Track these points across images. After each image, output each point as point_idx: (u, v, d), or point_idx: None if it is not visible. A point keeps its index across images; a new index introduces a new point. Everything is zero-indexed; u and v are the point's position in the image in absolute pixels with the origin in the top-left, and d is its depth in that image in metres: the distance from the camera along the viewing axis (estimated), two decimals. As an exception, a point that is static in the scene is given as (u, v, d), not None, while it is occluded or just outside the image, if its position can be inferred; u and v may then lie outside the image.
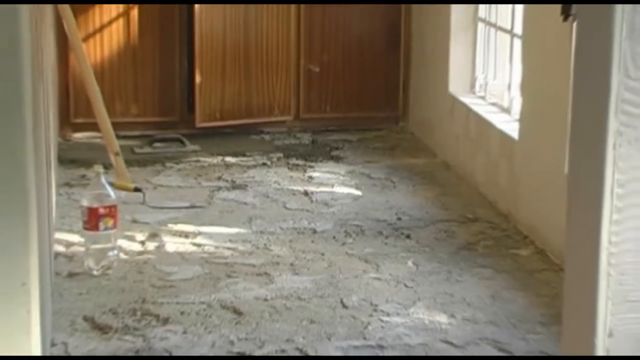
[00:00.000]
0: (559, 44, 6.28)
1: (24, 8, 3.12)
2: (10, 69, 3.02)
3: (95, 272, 6.45)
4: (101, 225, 6.62)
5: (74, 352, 5.46)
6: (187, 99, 9.24)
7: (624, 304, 3.60)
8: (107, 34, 9.11)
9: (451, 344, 5.65)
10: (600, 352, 3.64)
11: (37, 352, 3.20)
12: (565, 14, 5.76)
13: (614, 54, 3.45)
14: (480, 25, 8.57)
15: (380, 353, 5.52)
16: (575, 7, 4.38)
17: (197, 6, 9.01)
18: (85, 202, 6.67)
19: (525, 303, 6.14)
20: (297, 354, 5.50)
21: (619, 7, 3.45)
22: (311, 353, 5.52)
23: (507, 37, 8.08)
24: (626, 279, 3.57)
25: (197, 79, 9.13)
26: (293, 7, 9.31)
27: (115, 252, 6.66)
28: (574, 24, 4.05)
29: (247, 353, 5.53)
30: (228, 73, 9.22)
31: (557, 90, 6.23)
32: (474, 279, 6.46)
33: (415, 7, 9.45)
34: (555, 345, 5.22)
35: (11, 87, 3.03)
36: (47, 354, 4.35)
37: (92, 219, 6.61)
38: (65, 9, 8.11)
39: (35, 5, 4.10)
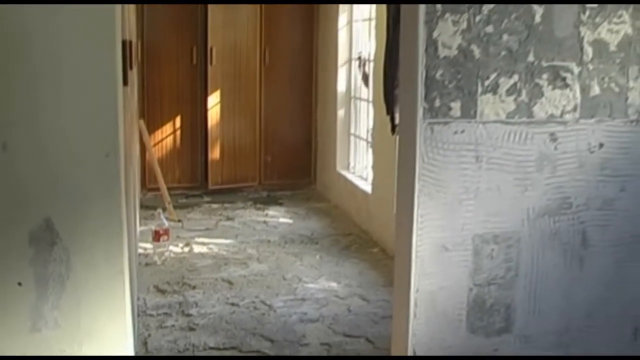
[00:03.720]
0: (390, 146, 6.33)
1: (121, 129, 3.14)
2: (113, 162, 3.03)
3: (158, 263, 6.45)
4: (161, 239, 6.63)
5: (149, 304, 5.49)
6: (204, 173, 9.21)
7: (423, 275, 3.64)
8: (165, 142, 9.08)
9: (339, 297, 5.69)
10: (412, 301, 3.69)
11: (129, 304, 3.19)
12: (392, 131, 5.82)
13: (417, 151, 3.50)
14: (352, 137, 8.62)
15: (303, 303, 5.55)
16: (397, 129, 4.46)
17: (209, 125, 9.02)
18: (153, 227, 6.69)
19: (375, 276, 6.18)
20: (262, 305, 5.51)
21: (419, 129, 3.51)
22: (268, 303, 5.53)
23: (364, 142, 8.14)
24: (424, 262, 3.62)
25: (210, 163, 9.12)
26: (257, 121, 9.31)
27: (168, 252, 6.66)
28: (397, 137, 4.13)
29: (235, 303, 5.54)
30: (225, 160, 9.20)
31: (389, 169, 6.29)
32: (350, 264, 6.49)
33: (320, 124, 9.48)
34: (389, 296, 5.25)
35: (113, 171, 3.04)
36: (135, 306, 4.33)
37: (156, 236, 6.62)
38: (143, 128, 8.11)
39: (128, 125, 4.11)
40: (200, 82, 9.07)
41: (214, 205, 8.71)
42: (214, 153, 9.14)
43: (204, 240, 7.24)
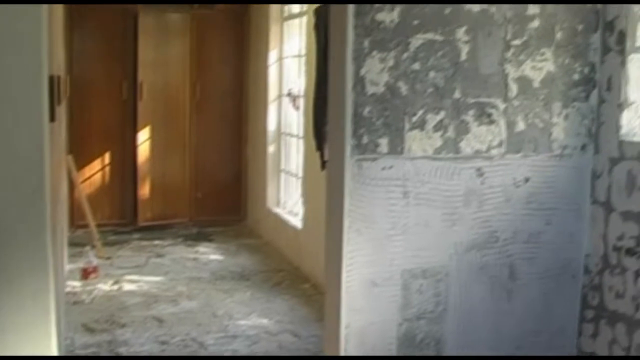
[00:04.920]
0: (320, 182, 6.36)
1: (47, 165, 3.10)
2: (39, 200, 3.00)
3: (87, 301, 6.33)
4: (90, 277, 6.56)
5: (77, 343, 5.38)
6: (134, 209, 9.13)
7: (353, 310, 3.66)
8: (94, 178, 8.99)
9: (270, 333, 5.66)
10: (342, 337, 3.69)
11: (55, 344, 3.14)
12: (322, 167, 5.85)
13: (346, 187, 3.53)
14: (282, 173, 8.63)
15: (234, 341, 5.50)
16: (327, 165, 4.48)
17: (139, 162, 8.96)
18: (81, 265, 6.61)
19: (307, 311, 6.16)
20: (193, 343, 5.45)
21: (347, 165, 3.54)
22: (199, 341, 5.48)
23: (294, 178, 8.16)
24: (354, 298, 3.63)
25: (139, 200, 9.04)
26: (187, 157, 9.28)
27: (97, 290, 6.57)
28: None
29: (166, 341, 5.47)
30: (155, 196, 9.13)
31: (320, 205, 6.30)
32: (281, 300, 6.46)
33: (250, 160, 9.47)
34: (321, 331, 5.24)
35: (39, 208, 3.00)
36: (62, 346, 4.26)
37: (85, 274, 6.55)
38: (71, 164, 8.01)
39: (55, 161, 4.06)
40: (130, 118, 9.01)
41: (144, 242, 8.62)
42: (144, 189, 9.07)
43: (134, 278, 7.14)
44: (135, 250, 8.26)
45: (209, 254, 8.19)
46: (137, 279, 7.10)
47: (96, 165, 9.03)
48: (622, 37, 3.98)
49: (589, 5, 4.03)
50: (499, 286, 4.00)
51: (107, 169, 9.09)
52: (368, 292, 3.68)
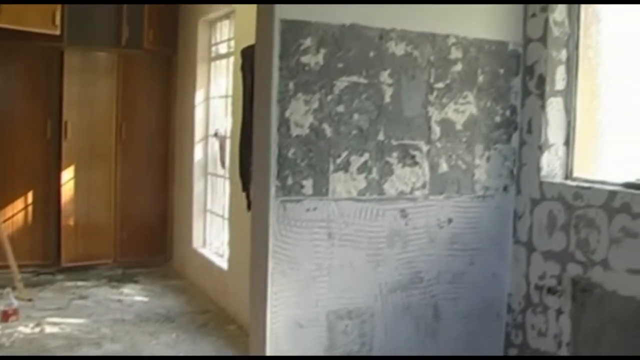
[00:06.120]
0: (246, 222, 6.34)
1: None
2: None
3: (6, 345, 6.17)
4: (10, 319, 6.41)
5: (-8, 389, 5.23)
6: (57, 250, 8.96)
7: (278, 352, 3.64)
8: (16, 218, 8.80)
9: (195, 376, 5.59)
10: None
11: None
12: (248, 208, 5.82)
13: (270, 228, 3.53)
14: (208, 214, 8.58)
15: (158, 382, 5.42)
16: (252, 206, 4.47)
17: (63, 201, 8.82)
18: (1, 307, 6.46)
19: (232, 353, 6.10)
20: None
21: (272, 207, 3.53)
22: (122, 384, 5.38)
23: (221, 219, 8.11)
24: (279, 340, 3.62)
25: (62, 241, 8.89)
26: (113, 197, 9.14)
27: (17, 333, 6.42)
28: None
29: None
30: (80, 237, 8.97)
31: (246, 245, 6.27)
32: (207, 342, 6.39)
33: (176, 201, 9.40)
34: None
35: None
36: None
37: (5, 316, 6.40)
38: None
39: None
40: (54, 157, 8.86)
41: (67, 283, 8.43)
42: (68, 229, 8.90)
43: (56, 320, 6.97)
44: (58, 292, 8.08)
45: (134, 295, 8.06)
46: (60, 321, 6.94)
47: (19, 204, 8.85)
48: (541, 81, 4.08)
49: (510, 50, 4.12)
50: (423, 326, 4.02)
51: (30, 208, 8.91)
52: (293, 333, 3.66)
